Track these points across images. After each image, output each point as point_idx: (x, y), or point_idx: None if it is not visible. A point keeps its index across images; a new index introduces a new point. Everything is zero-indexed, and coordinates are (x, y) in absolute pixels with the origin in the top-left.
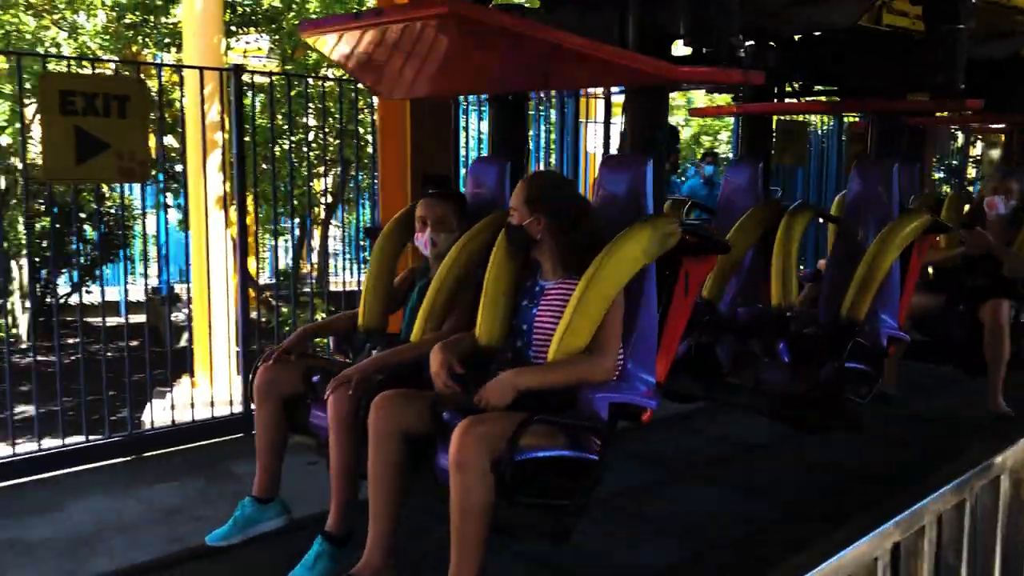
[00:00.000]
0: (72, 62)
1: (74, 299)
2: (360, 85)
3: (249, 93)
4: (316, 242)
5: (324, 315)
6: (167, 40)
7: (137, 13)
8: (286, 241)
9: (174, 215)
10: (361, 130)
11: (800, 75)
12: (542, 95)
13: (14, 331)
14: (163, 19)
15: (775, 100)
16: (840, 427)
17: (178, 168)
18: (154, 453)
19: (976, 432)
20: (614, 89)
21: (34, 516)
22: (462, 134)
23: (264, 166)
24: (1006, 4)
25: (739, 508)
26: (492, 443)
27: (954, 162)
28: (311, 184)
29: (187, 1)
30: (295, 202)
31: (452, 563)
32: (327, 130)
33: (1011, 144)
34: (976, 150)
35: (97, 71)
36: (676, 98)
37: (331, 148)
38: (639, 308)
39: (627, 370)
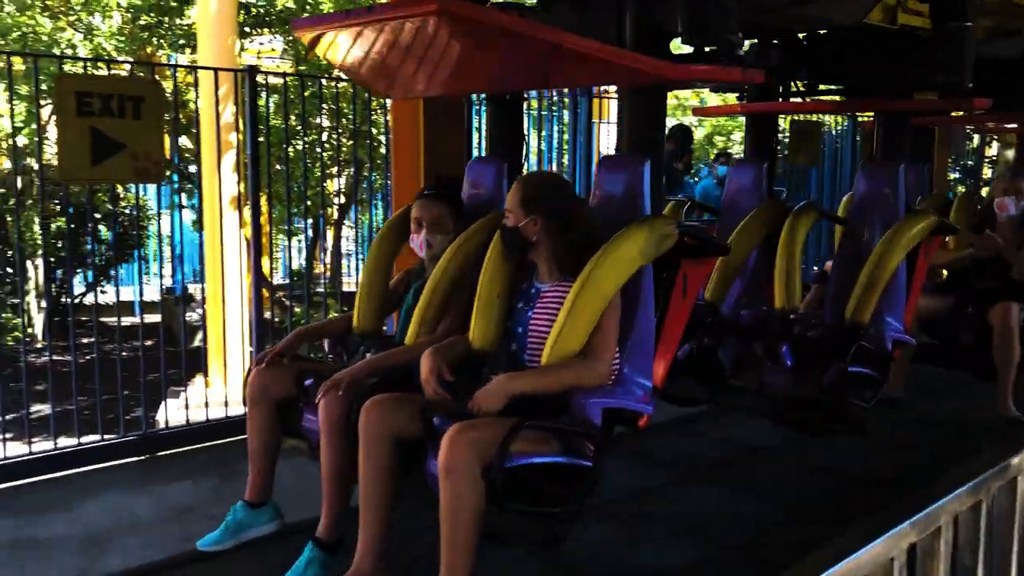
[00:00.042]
0: (87, 63)
1: (89, 299)
2: None
3: (263, 94)
4: (329, 242)
5: (337, 315)
6: (181, 41)
7: (152, 14)
8: (299, 241)
9: (188, 215)
10: (374, 131)
11: (805, 74)
12: (554, 96)
13: (29, 331)
14: (177, 20)
15: (780, 99)
16: (844, 431)
17: (192, 169)
18: (168, 452)
19: (985, 435)
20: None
21: (49, 514)
22: (475, 134)
23: (278, 167)
24: (1016, 2)
25: (745, 510)
26: (482, 449)
27: (969, 163)
28: (324, 184)
29: (201, 2)
30: (308, 202)
31: (442, 570)
32: (340, 131)
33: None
34: (992, 151)
35: (112, 72)
36: (689, 97)
37: (344, 149)
38: (636, 311)
39: (623, 374)
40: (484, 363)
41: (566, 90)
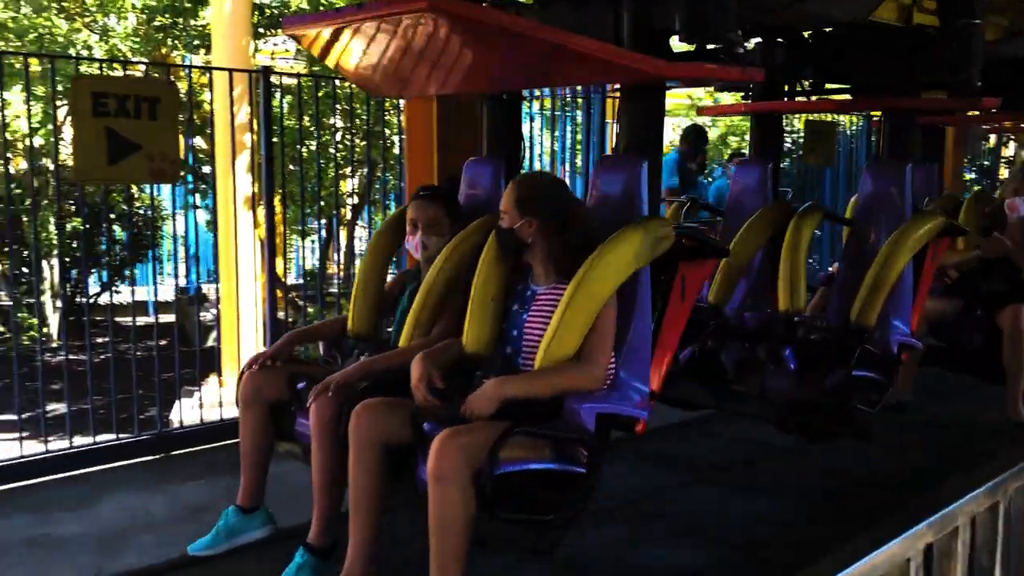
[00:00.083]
0: (103, 64)
1: (103, 299)
2: None
3: (277, 94)
4: (343, 243)
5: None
6: (196, 42)
7: (167, 15)
8: (312, 242)
9: (202, 216)
10: (387, 131)
11: (810, 73)
12: (567, 95)
13: (44, 330)
14: (192, 21)
15: (786, 99)
16: (848, 436)
17: (205, 169)
18: (182, 451)
19: (993, 439)
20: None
21: (65, 512)
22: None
23: (291, 167)
24: None
25: (752, 512)
26: (472, 455)
27: (985, 163)
28: (338, 185)
29: (216, 3)
30: (322, 203)
31: None
32: (354, 131)
33: None
34: (1009, 150)
35: (127, 73)
36: (703, 97)
37: (358, 149)
38: (632, 314)
39: (619, 379)
40: (477, 367)
41: (579, 89)
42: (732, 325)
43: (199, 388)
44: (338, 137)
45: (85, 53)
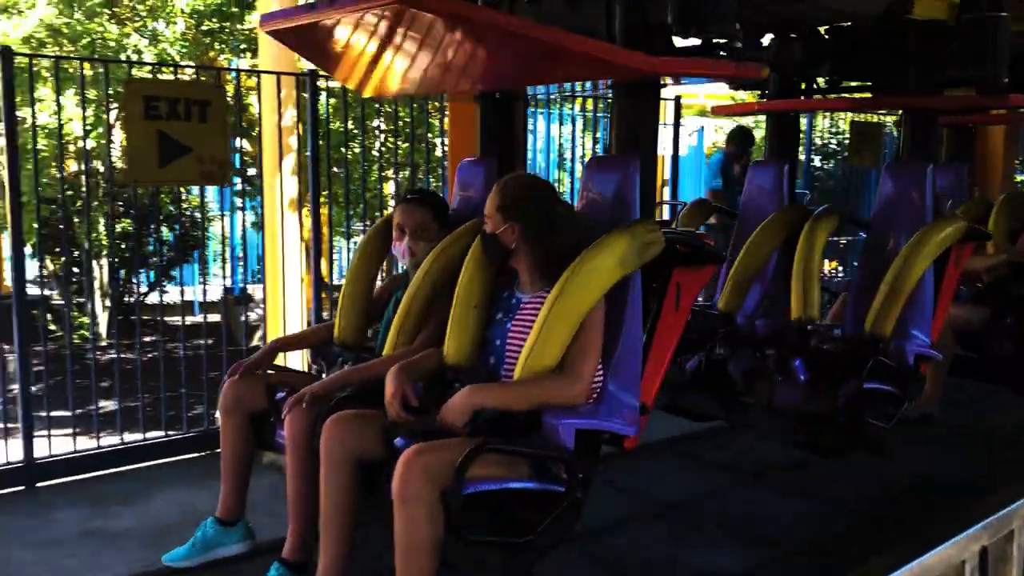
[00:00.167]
0: (153, 68)
1: (151, 298)
2: None
3: (322, 97)
4: None
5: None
6: (243, 46)
7: (214, 20)
8: (355, 244)
9: (248, 217)
10: (430, 134)
11: (827, 70)
12: (609, 96)
13: (94, 329)
14: (239, 26)
15: (802, 96)
16: (860, 451)
17: (251, 171)
18: None
19: None
20: (683, 90)
21: (117, 506)
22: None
23: (335, 169)
24: None
25: (800, 514)
26: (438, 474)
27: None
28: (381, 187)
29: (262, 8)
30: (365, 205)
31: None
32: (397, 133)
33: None
34: None
35: (177, 77)
36: (735, 96)
37: (401, 151)
38: (622, 324)
39: (608, 392)
40: (457, 378)
41: (610, 92)
42: (743, 333)
43: None
44: (381, 140)
45: (135, 57)
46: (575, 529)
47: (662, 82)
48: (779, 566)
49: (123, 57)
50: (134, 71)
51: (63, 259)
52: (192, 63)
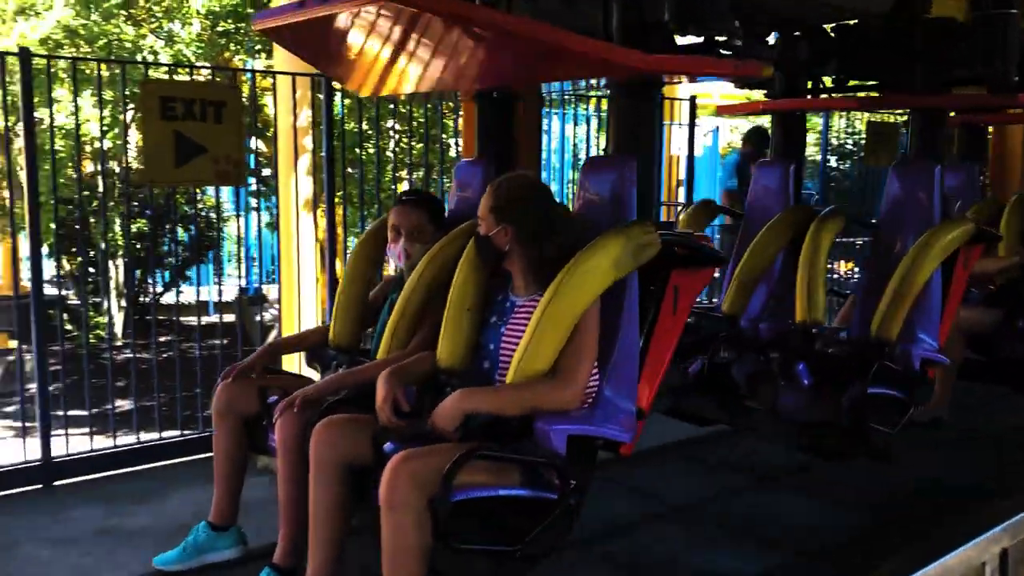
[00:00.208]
0: (167, 68)
1: (165, 298)
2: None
3: (337, 98)
4: None
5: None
6: (258, 47)
7: (229, 21)
8: None
9: (264, 217)
10: (444, 135)
11: (833, 68)
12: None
13: (110, 329)
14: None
15: (808, 96)
16: (865, 457)
17: (265, 172)
18: None
19: None
20: (698, 89)
21: (133, 505)
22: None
23: (350, 170)
24: None
25: (817, 515)
26: (426, 481)
27: None
28: (396, 187)
29: None
30: (380, 205)
31: None
32: (411, 134)
33: None
34: None
35: (193, 77)
36: (750, 96)
37: (415, 152)
38: (618, 327)
39: (604, 396)
40: (449, 383)
41: None
42: (747, 336)
43: None
44: (395, 140)
45: (151, 58)
46: (568, 537)
47: (673, 80)
48: (792, 569)
49: (139, 58)
50: (150, 72)
51: (79, 259)
52: (207, 64)
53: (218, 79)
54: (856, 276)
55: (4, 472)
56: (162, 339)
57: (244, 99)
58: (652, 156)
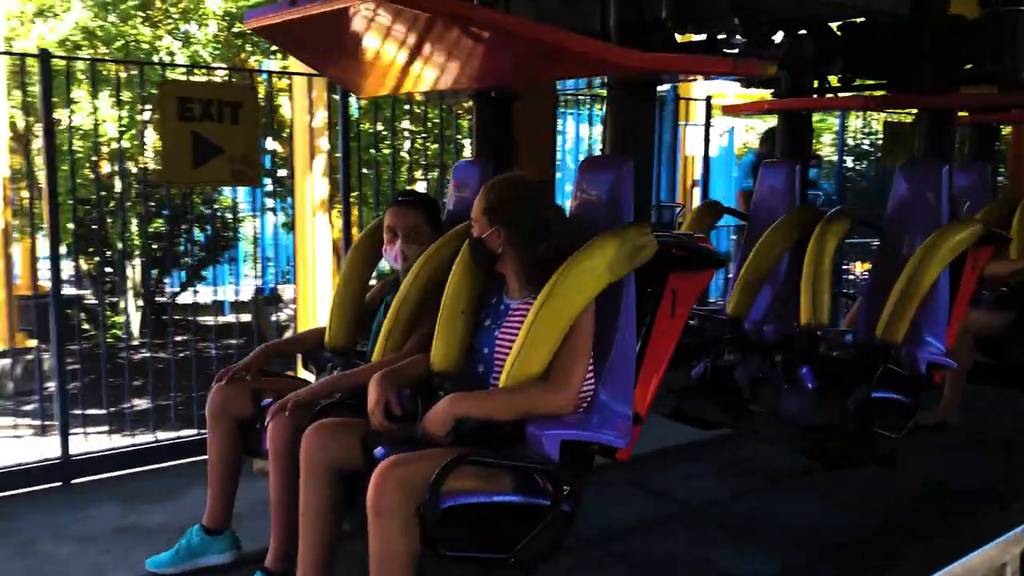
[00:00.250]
0: (184, 70)
1: (182, 298)
2: None
3: (353, 99)
4: None
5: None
6: (274, 48)
7: None
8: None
9: (279, 218)
10: (459, 136)
11: (839, 67)
12: None
13: (127, 329)
14: None
15: (815, 95)
16: (869, 463)
17: (280, 172)
18: None
19: None
20: (716, 89)
21: (150, 503)
22: (557, 137)
23: (365, 171)
24: None
25: (831, 517)
26: (414, 487)
27: None
28: (410, 187)
29: None
30: None
31: None
32: (425, 135)
33: None
34: None
35: (209, 78)
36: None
37: (430, 152)
38: (614, 331)
39: (599, 401)
40: (442, 386)
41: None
42: (751, 339)
43: None
44: (411, 141)
45: (168, 59)
46: (564, 543)
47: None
48: (801, 571)
49: (155, 59)
50: (167, 73)
51: (96, 259)
52: (224, 65)
53: (235, 80)
54: None
55: (24, 470)
56: (178, 338)
57: (260, 100)
58: (650, 156)
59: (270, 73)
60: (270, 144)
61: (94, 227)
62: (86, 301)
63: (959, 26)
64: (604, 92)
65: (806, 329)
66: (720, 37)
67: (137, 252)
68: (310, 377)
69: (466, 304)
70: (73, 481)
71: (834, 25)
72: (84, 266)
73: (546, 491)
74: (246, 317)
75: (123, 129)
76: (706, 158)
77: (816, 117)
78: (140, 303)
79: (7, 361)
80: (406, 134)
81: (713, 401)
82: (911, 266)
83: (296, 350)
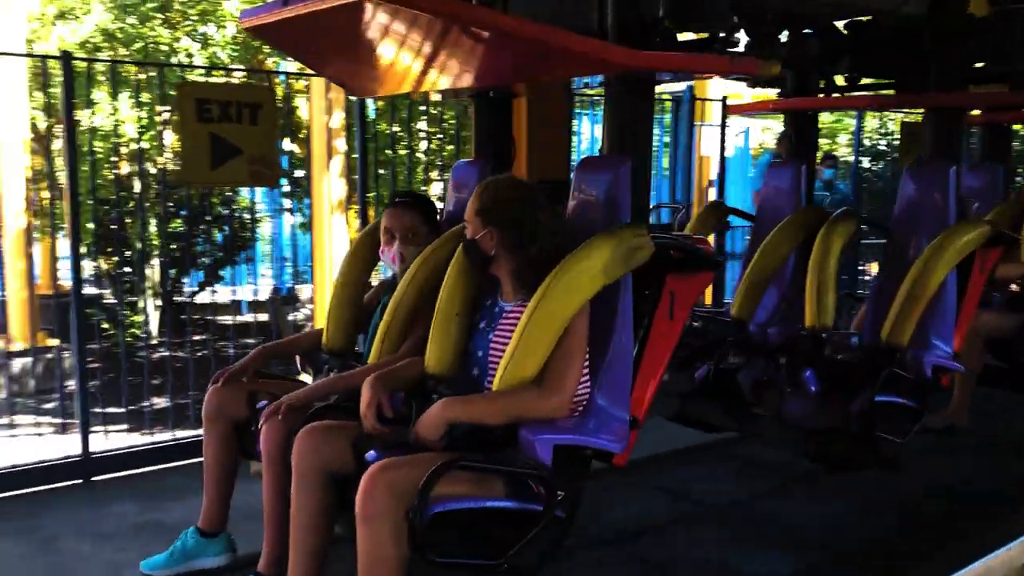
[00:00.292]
0: (203, 71)
1: (199, 298)
2: None
3: (370, 100)
4: None
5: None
6: None
7: None
8: None
9: (296, 218)
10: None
11: (845, 66)
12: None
13: (145, 328)
14: None
15: (821, 95)
16: (873, 467)
17: (298, 173)
18: None
19: None
20: (732, 89)
21: (171, 501)
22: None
23: (382, 171)
24: None
25: (851, 517)
26: (404, 492)
27: None
28: (427, 189)
29: None
30: None
31: None
32: (442, 136)
33: None
34: None
35: (227, 80)
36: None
37: (446, 153)
38: (610, 334)
39: (595, 405)
40: (436, 389)
41: (666, 92)
42: (755, 341)
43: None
44: (427, 142)
45: (186, 61)
46: (561, 549)
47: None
48: (822, 571)
49: (174, 60)
50: (186, 74)
51: (115, 259)
52: (242, 66)
53: (253, 81)
54: None
55: (46, 467)
56: (196, 338)
57: (278, 101)
58: (648, 156)
59: (288, 74)
60: (287, 145)
61: (113, 227)
62: (105, 301)
63: (967, 24)
64: None
65: (811, 331)
66: (723, 36)
67: (156, 252)
68: (309, 379)
69: (461, 306)
70: (94, 478)
71: (840, 24)
72: (103, 266)
73: (539, 496)
74: (264, 317)
75: (142, 130)
76: (722, 158)
77: (832, 118)
78: (158, 303)
79: (28, 360)
80: (422, 135)
81: (716, 404)
82: (917, 268)
83: (294, 351)
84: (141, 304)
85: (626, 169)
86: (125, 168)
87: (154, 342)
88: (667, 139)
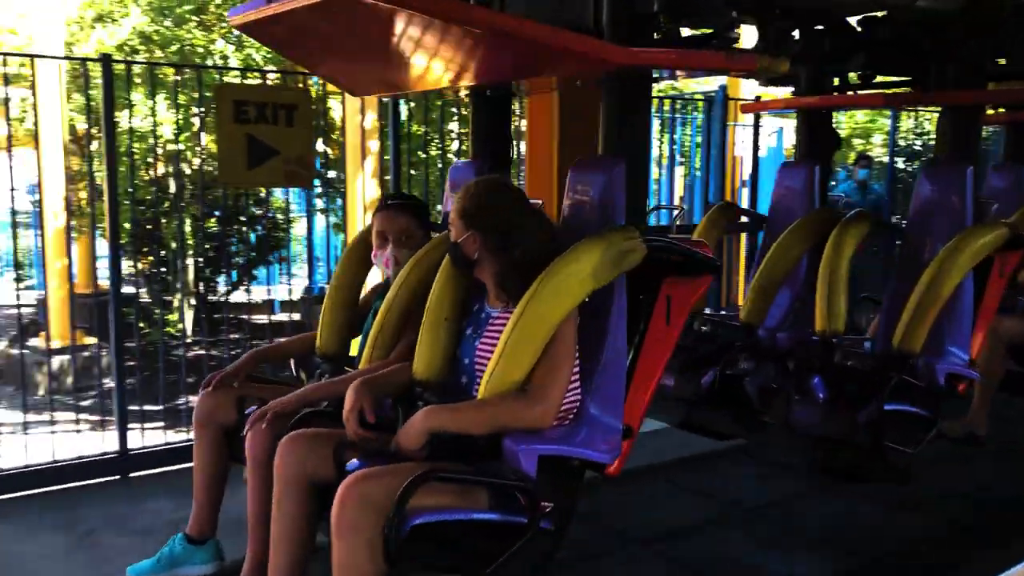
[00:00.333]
0: (239, 73)
1: (234, 297)
2: None
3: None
4: None
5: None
6: None
7: None
8: None
9: (322, 218)
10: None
11: (860, 63)
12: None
13: (180, 326)
14: None
15: (835, 92)
16: (881, 478)
17: (330, 174)
18: None
19: None
20: (763, 89)
21: None
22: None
23: (413, 172)
24: None
25: (881, 521)
26: (380, 504)
27: None
28: None
29: None
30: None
31: None
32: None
33: None
34: None
35: (262, 81)
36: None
37: None
38: (604, 339)
39: (587, 413)
40: (423, 396)
41: (699, 92)
42: (764, 346)
43: None
44: (458, 142)
45: (221, 63)
46: (551, 561)
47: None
48: (855, 574)
49: (209, 62)
50: (222, 76)
51: (151, 258)
52: (277, 68)
53: (289, 83)
54: None
55: (84, 463)
56: (231, 336)
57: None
58: (644, 155)
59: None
60: (320, 146)
61: (149, 227)
62: (141, 299)
63: (984, 19)
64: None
65: (821, 337)
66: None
67: (191, 252)
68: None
69: (450, 311)
70: (131, 475)
71: (853, 20)
72: (140, 265)
73: (519, 507)
74: (297, 316)
75: (179, 131)
76: (755, 159)
77: (867, 117)
78: (193, 301)
79: (67, 357)
80: (453, 135)
81: (723, 411)
82: (930, 272)
83: (287, 355)
84: (176, 303)
85: (620, 169)
86: (161, 169)
87: (189, 340)
88: (699, 139)
